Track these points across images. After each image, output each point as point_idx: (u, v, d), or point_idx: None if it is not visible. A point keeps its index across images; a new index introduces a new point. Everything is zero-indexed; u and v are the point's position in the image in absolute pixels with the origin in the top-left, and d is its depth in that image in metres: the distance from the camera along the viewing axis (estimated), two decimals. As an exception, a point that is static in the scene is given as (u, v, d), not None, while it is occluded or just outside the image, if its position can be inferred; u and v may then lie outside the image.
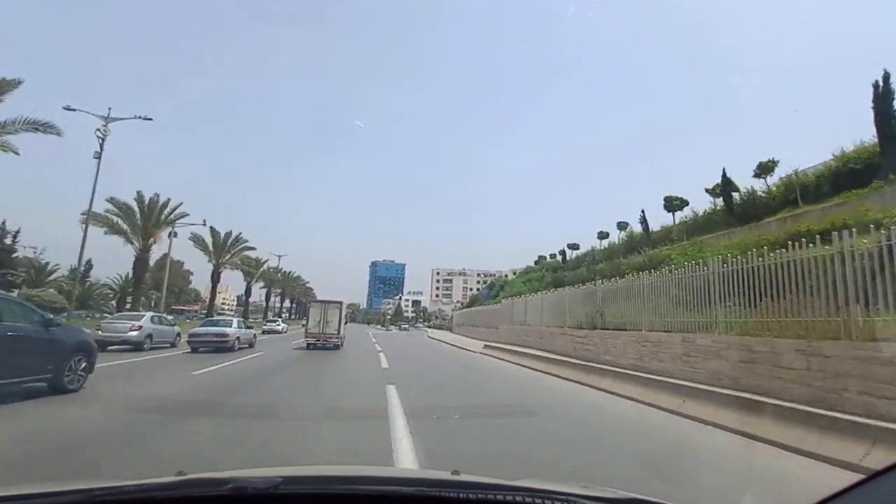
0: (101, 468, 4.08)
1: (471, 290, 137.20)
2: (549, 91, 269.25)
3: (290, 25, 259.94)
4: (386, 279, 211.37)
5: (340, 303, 22.10)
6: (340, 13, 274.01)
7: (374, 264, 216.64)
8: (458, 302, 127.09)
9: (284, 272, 75.14)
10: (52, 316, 8.40)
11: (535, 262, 47.22)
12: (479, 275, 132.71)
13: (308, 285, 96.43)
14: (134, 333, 16.55)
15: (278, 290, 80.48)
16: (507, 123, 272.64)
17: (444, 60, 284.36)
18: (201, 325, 19.87)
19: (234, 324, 19.80)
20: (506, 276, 58.89)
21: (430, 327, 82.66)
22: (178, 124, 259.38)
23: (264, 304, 73.73)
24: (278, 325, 41.06)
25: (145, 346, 16.81)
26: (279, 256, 63.03)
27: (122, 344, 16.26)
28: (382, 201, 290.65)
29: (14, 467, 4.12)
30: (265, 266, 61.17)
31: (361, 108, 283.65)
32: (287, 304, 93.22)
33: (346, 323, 27.10)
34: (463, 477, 1.51)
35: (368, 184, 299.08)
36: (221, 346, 17.27)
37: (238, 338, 18.63)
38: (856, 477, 1.04)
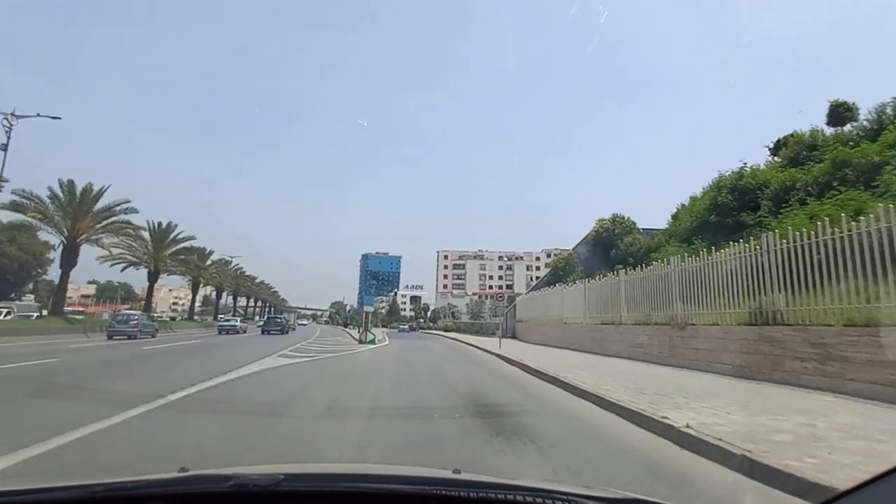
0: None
1: (490, 277, 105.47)
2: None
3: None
4: (378, 274, 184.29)
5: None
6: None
7: (365, 257, 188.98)
8: (473, 294, 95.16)
9: (217, 260, 55.41)
10: None
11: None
12: (501, 258, 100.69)
13: (268, 285, 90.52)
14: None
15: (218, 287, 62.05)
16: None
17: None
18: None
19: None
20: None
21: (447, 330, 52.03)
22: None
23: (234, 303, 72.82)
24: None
25: None
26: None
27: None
28: (376, 192, 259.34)
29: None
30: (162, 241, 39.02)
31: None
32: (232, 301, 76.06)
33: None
34: (464, 476, 1.48)
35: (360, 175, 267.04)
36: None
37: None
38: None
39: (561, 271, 26.32)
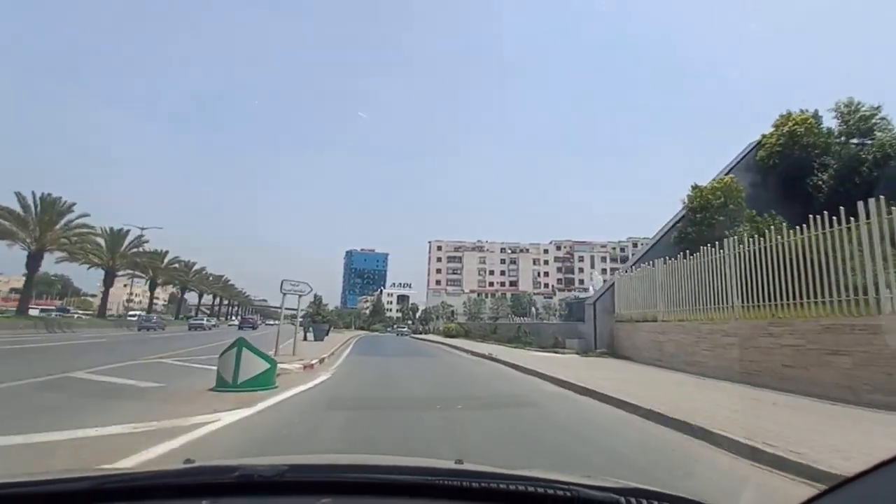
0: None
1: (491, 272, 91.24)
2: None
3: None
4: (363, 272, 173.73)
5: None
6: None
7: (349, 254, 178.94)
8: (471, 292, 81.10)
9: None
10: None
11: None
12: (503, 250, 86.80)
13: (220, 276, 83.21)
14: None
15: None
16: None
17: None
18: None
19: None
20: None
21: (449, 336, 38.61)
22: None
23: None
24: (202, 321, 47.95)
25: None
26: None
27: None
28: (361, 186, 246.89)
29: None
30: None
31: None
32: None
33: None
34: (467, 466, 1.49)
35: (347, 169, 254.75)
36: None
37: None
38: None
39: (713, 217, 12.28)
